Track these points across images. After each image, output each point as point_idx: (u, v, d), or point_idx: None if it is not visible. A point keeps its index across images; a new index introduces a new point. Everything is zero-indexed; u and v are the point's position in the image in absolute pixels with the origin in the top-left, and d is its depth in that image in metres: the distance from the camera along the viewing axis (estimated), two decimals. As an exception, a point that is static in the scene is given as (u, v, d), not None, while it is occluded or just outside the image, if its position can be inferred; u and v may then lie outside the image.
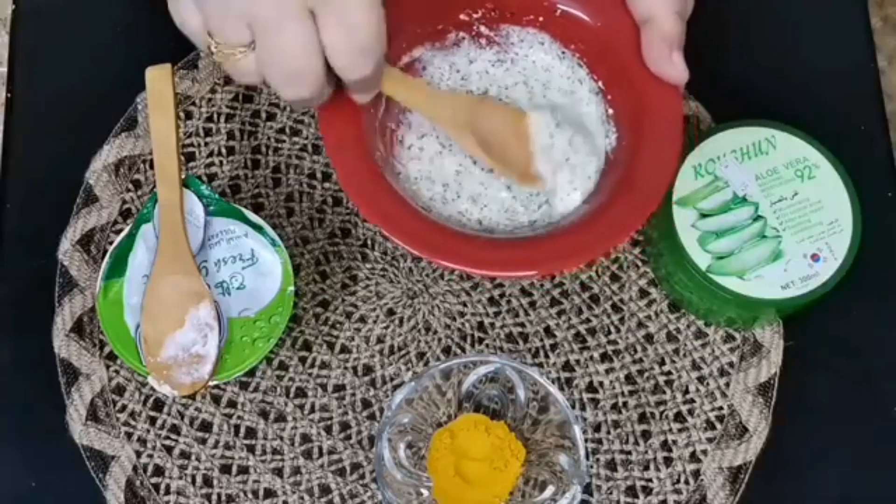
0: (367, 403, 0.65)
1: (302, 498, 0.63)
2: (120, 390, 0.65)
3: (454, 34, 0.62)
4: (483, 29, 0.62)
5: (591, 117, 0.62)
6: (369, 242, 0.68)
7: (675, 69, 0.58)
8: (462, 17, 0.61)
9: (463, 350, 0.66)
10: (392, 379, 0.65)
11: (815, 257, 0.61)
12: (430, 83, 0.59)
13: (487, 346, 0.66)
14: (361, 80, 0.49)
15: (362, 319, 0.66)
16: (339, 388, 0.65)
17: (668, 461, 0.64)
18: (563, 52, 0.63)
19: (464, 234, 0.58)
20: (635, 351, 0.66)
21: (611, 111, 0.62)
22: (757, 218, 0.62)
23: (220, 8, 0.46)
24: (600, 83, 0.62)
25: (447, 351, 0.66)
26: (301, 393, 0.65)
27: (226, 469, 0.64)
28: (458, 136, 0.58)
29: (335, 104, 0.55)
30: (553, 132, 0.60)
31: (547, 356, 0.66)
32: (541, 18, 0.62)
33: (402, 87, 0.57)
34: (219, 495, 0.63)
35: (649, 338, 0.66)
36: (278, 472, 0.64)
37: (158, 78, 0.62)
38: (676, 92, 0.59)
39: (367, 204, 0.55)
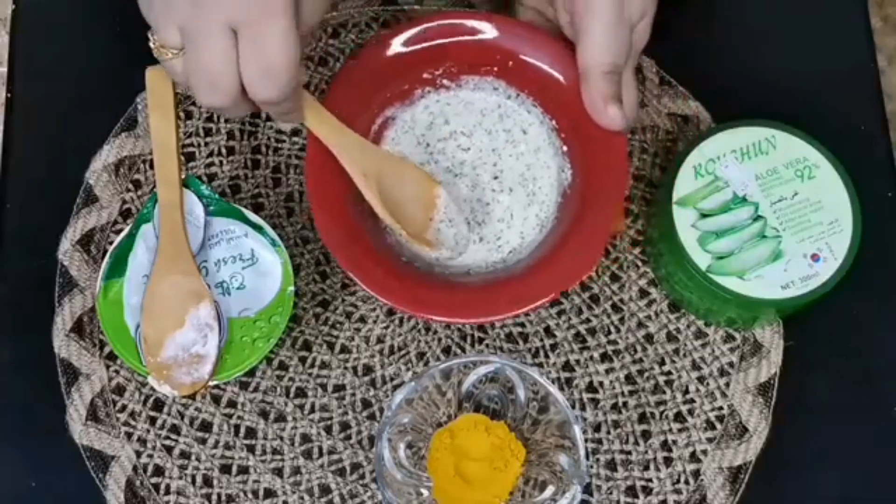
0: (367, 403, 0.65)
1: (302, 498, 0.63)
2: (120, 390, 0.65)
3: (420, 90, 0.65)
4: (445, 82, 0.65)
5: (547, 154, 0.65)
6: (369, 242, 0.68)
7: (610, 120, 0.60)
8: (425, 75, 0.64)
9: (463, 350, 0.66)
10: (392, 379, 0.65)
11: (815, 257, 0.61)
12: (351, 129, 0.62)
13: (487, 346, 0.66)
14: (269, 101, 0.53)
15: (362, 319, 0.66)
16: (339, 388, 0.65)
17: (668, 461, 0.64)
18: (518, 95, 0.65)
19: (434, 282, 0.61)
20: (635, 351, 0.66)
21: (565, 148, 0.64)
22: (757, 218, 0.62)
23: (162, 11, 0.51)
24: (554, 122, 0.64)
25: (447, 351, 0.66)
26: (301, 393, 0.65)
27: (226, 469, 0.64)
28: (361, 183, 0.61)
29: (323, 177, 0.60)
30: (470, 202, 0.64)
31: (547, 356, 0.66)
32: (496, 68, 0.64)
33: (322, 125, 0.60)
34: (219, 495, 0.63)
35: (649, 338, 0.66)
36: (278, 472, 0.64)
37: (158, 78, 0.62)
38: (621, 135, 0.61)
39: (348, 260, 0.59)
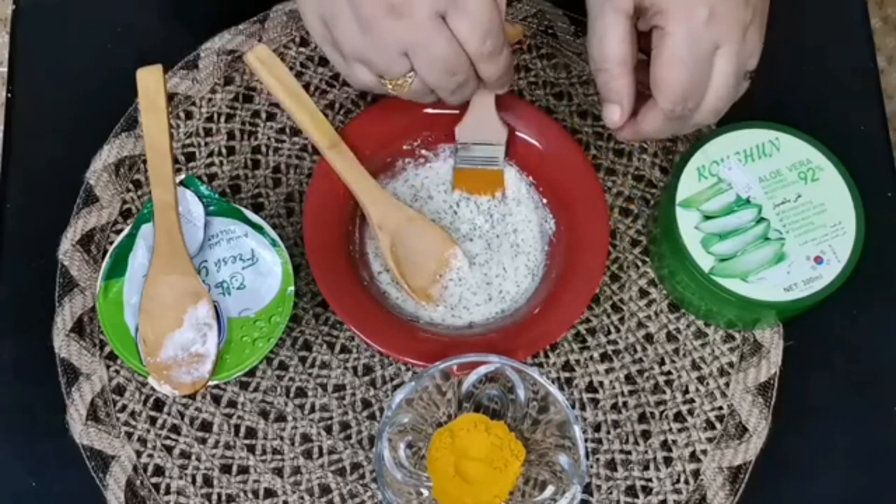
0: (367, 403, 0.65)
1: (302, 498, 0.63)
2: (120, 390, 0.64)
3: (400, 161, 0.68)
4: (423, 151, 0.68)
5: (528, 208, 0.68)
6: (369, 242, 0.68)
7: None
8: (405, 147, 0.68)
9: (463, 350, 0.66)
10: (392, 379, 0.65)
11: (818, 259, 0.61)
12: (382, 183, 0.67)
13: (488, 346, 0.66)
14: (490, 54, 0.57)
15: (363, 319, 0.66)
16: (339, 388, 0.65)
17: (667, 461, 0.64)
18: None
19: (432, 335, 0.64)
20: (635, 351, 0.66)
21: (545, 200, 0.67)
22: (760, 220, 0.62)
23: (383, 55, 0.57)
24: (531, 178, 0.67)
25: (447, 351, 0.66)
26: (301, 393, 0.65)
27: (226, 469, 0.64)
28: (378, 233, 0.65)
29: (324, 249, 0.64)
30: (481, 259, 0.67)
31: (547, 356, 0.66)
32: None
33: (350, 172, 0.65)
34: (219, 495, 0.63)
35: (649, 338, 0.66)
36: (278, 471, 0.64)
37: (149, 78, 0.61)
38: (596, 181, 0.65)
39: (350, 316, 0.63)
